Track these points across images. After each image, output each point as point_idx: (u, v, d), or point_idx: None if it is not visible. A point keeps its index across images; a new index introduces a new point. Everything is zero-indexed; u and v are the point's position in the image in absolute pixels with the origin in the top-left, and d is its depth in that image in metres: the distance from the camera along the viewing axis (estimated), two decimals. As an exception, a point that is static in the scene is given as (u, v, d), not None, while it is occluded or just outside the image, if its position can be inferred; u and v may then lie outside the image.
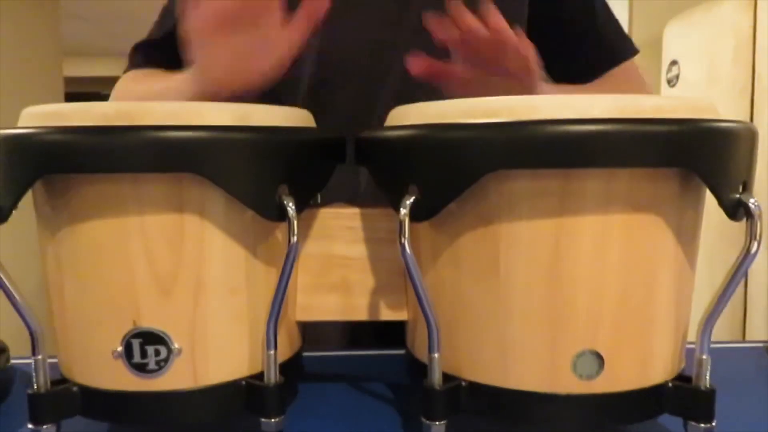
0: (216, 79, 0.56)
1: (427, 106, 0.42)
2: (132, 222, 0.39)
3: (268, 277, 0.43)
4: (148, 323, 0.40)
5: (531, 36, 0.79)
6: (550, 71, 0.86)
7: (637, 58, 0.86)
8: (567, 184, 0.38)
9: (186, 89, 0.59)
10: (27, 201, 0.40)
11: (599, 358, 0.39)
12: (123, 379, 0.40)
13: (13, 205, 0.38)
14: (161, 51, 0.76)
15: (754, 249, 0.38)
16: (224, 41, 0.54)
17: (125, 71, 0.81)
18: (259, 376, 0.42)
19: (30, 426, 0.41)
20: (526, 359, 0.40)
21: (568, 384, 0.39)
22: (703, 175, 0.37)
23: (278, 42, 0.55)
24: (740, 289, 1.95)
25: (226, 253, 0.41)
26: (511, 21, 0.76)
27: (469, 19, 0.55)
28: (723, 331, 1.92)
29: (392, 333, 0.57)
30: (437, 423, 0.40)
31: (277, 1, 0.54)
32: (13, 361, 0.55)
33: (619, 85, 0.83)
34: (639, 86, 0.85)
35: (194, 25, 0.54)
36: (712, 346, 0.40)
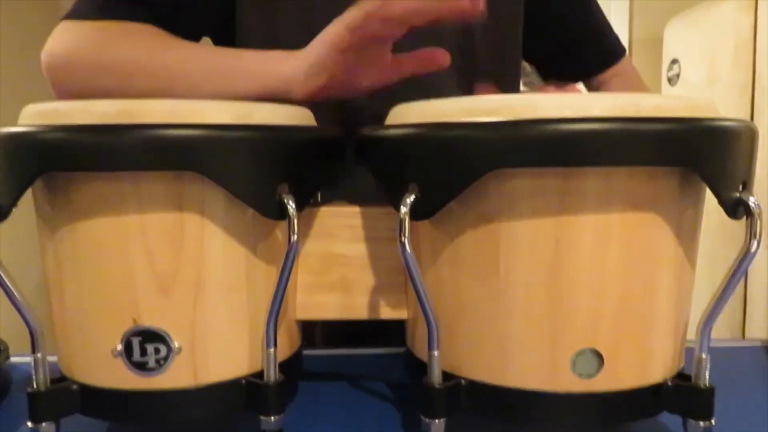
0: (317, 85, 0.52)
1: (427, 104, 0.42)
2: (132, 220, 0.39)
3: (268, 276, 0.43)
4: (148, 321, 0.40)
5: (530, 36, 0.78)
6: (549, 71, 0.87)
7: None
8: (567, 183, 0.38)
9: (257, 76, 0.54)
10: (27, 200, 0.40)
11: (599, 356, 0.39)
12: (123, 378, 0.40)
13: (13, 203, 0.38)
14: (151, 10, 0.63)
15: (754, 248, 0.38)
16: (357, 50, 0.50)
17: (73, 16, 0.66)
18: (259, 374, 0.42)
19: (29, 424, 0.41)
20: (526, 357, 0.40)
21: (568, 383, 0.39)
22: (703, 174, 0.37)
23: (385, 68, 0.53)
24: (740, 288, 1.94)
25: (226, 251, 0.41)
26: (506, 22, 0.76)
27: None
28: (723, 330, 1.92)
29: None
30: (437, 421, 0.40)
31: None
32: (12, 359, 0.55)
33: (629, 80, 0.85)
34: (640, 80, 0.88)
35: (376, 15, 0.48)
36: (712, 345, 0.40)
